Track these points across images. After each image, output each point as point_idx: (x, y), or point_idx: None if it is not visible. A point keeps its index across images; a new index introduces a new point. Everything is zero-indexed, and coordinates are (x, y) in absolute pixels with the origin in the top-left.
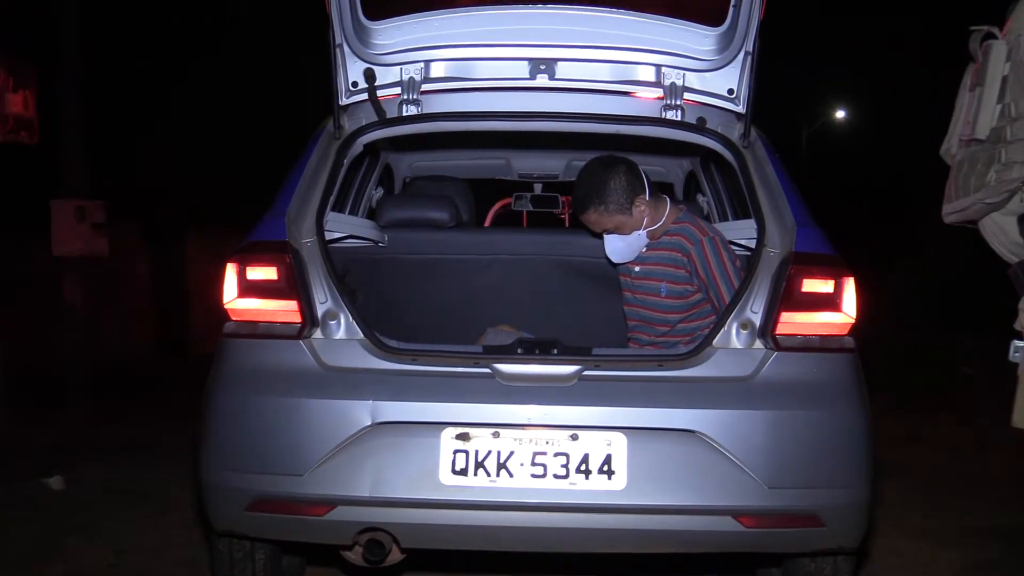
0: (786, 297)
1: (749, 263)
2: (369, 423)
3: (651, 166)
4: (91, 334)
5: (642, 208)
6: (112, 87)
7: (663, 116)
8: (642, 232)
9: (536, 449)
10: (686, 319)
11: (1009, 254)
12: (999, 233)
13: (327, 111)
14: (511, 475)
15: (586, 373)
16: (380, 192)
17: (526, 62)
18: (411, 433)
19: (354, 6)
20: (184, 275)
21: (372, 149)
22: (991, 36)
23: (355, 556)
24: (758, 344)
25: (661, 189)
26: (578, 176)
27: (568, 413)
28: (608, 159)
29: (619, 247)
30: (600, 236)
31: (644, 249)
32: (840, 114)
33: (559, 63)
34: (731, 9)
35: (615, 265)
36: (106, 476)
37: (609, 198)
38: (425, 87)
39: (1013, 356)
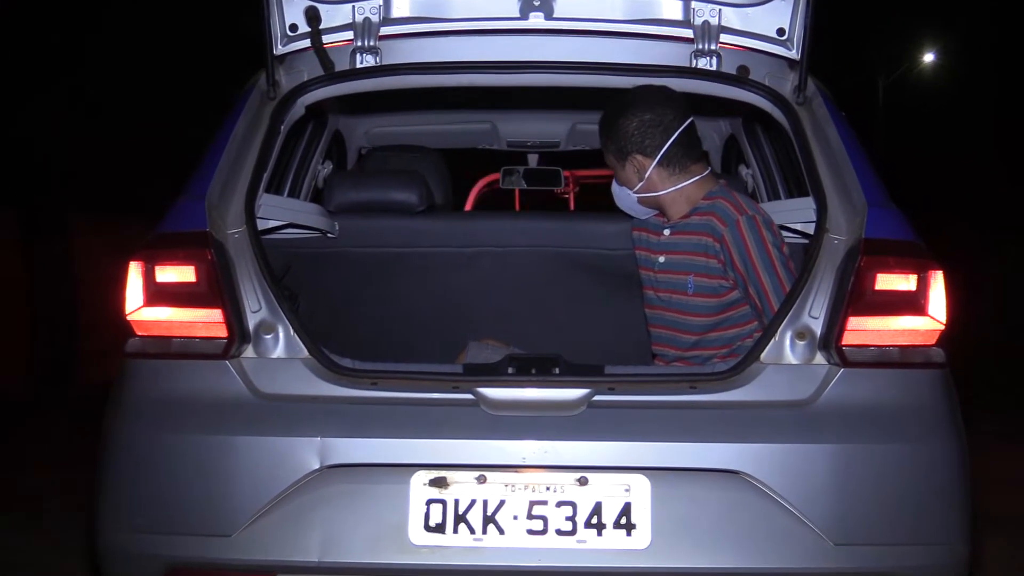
0: (855, 297)
1: (807, 253)
2: (317, 467)
3: None
4: None
5: (638, 171)
6: None
7: (693, 65)
8: (630, 193)
9: (534, 497)
10: (720, 324)
11: None
12: None
13: (259, 63)
14: (501, 531)
15: (597, 398)
16: (328, 167)
17: None
18: (372, 479)
19: None
20: (70, 277)
21: (317, 112)
22: None
23: None
24: (819, 358)
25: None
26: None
27: (575, 450)
28: (657, 95)
29: (617, 193)
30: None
31: (667, 233)
32: (928, 58)
33: None
34: None
35: (638, 264)
36: None
37: (610, 133)
38: (385, 30)
39: None
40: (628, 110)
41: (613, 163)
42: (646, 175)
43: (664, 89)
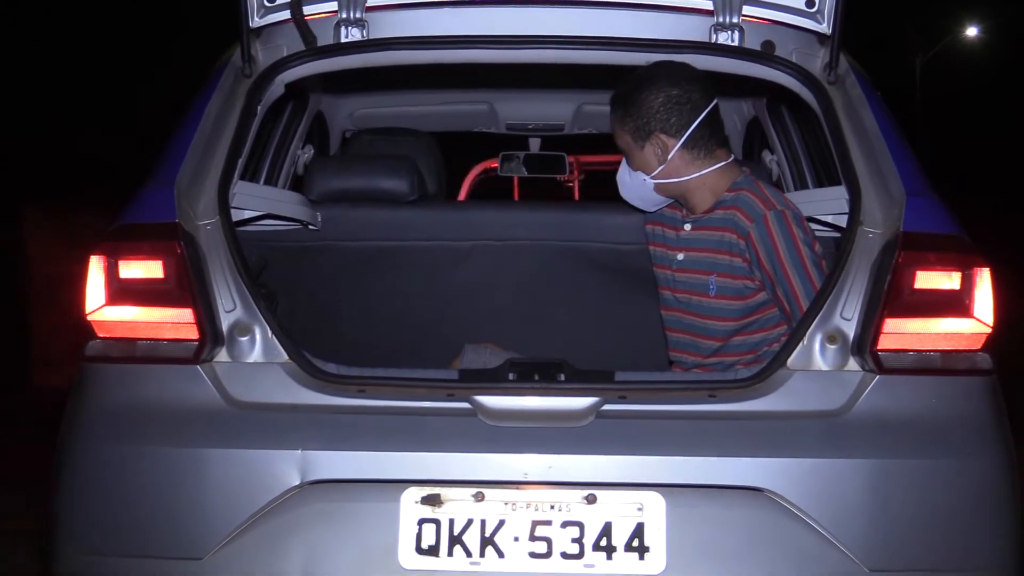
0: (892, 297)
1: (838, 248)
2: (298, 483)
3: None
4: None
5: (658, 153)
6: None
7: (713, 39)
8: (647, 178)
9: (537, 517)
10: (745, 328)
11: None
12: None
13: (232, 36)
14: (501, 554)
15: (606, 408)
16: (310, 152)
17: None
18: (358, 496)
19: None
20: (22, 272)
21: (298, 91)
22: None
23: None
24: (852, 364)
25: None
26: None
27: (582, 465)
28: (684, 71)
29: (625, 181)
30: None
31: (688, 228)
32: (971, 32)
33: None
34: None
35: (653, 262)
36: None
37: (630, 108)
38: (372, 1)
39: None
40: (653, 84)
41: (629, 144)
42: (669, 157)
43: (688, 66)
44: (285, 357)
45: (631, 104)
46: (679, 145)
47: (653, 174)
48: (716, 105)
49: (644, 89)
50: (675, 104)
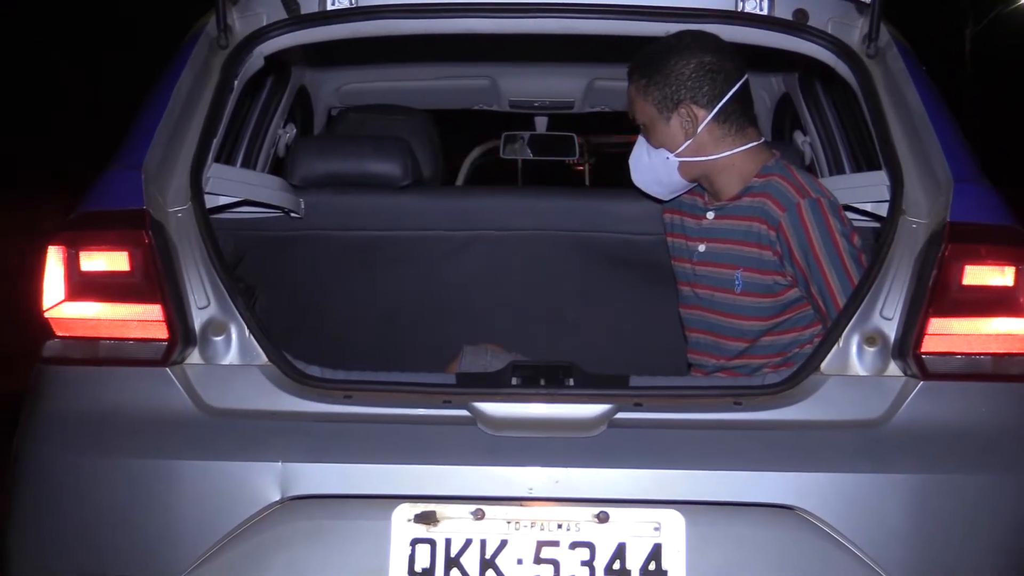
0: (938, 294)
1: (878, 240)
2: (278, 498)
3: None
4: None
5: (687, 126)
6: None
7: (739, 8)
8: (671, 156)
9: (542, 537)
10: (774, 329)
11: None
12: None
13: (207, 3)
14: None
15: (620, 416)
16: (292, 132)
17: None
18: (345, 513)
19: None
20: None
21: (279, 64)
22: None
23: None
24: (893, 368)
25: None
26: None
27: (593, 480)
28: (714, 39)
29: (641, 162)
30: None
31: (711, 216)
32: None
33: None
34: None
35: (671, 254)
36: None
37: (656, 75)
38: None
39: None
40: (684, 49)
41: (652, 116)
42: (698, 130)
43: (717, 36)
44: (264, 359)
45: (658, 71)
46: (710, 117)
47: (679, 150)
48: (747, 80)
49: (673, 55)
50: (708, 72)
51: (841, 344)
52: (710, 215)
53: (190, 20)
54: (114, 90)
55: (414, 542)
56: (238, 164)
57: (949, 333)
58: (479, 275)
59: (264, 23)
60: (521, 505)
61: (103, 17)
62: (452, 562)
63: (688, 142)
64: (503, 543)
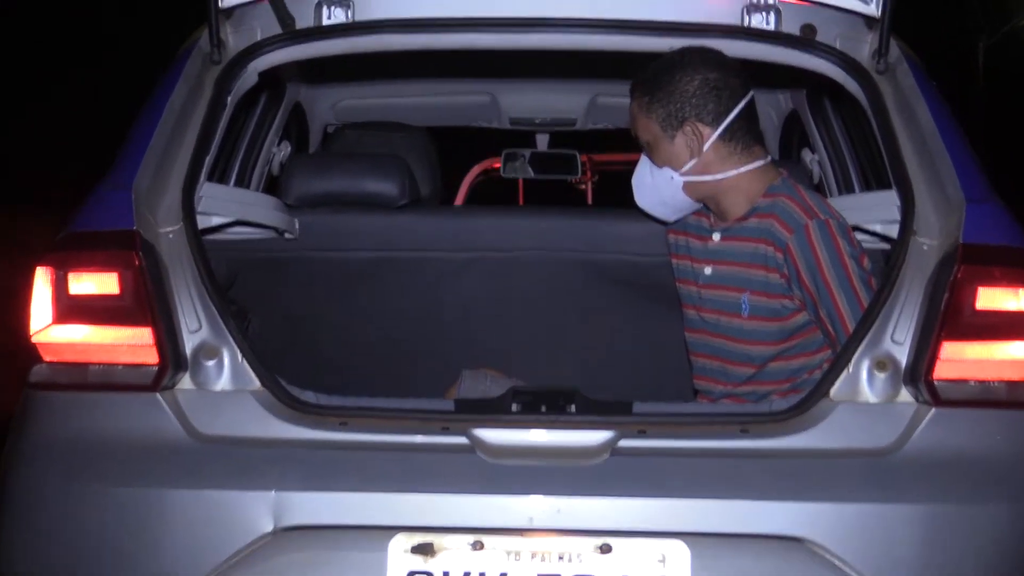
0: (950, 318)
1: (888, 262)
2: (271, 528)
3: None
4: None
5: (691, 144)
6: None
7: (745, 23)
8: (675, 175)
9: (543, 569)
10: (782, 354)
11: None
12: None
13: (199, 17)
14: None
15: (624, 444)
16: (287, 150)
17: None
18: (339, 544)
19: None
20: None
21: (273, 80)
22: None
23: None
24: (904, 395)
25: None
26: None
27: (595, 510)
28: (718, 56)
29: (645, 182)
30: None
31: (717, 237)
32: None
33: None
34: None
35: (676, 277)
36: None
37: (659, 92)
38: None
39: None
40: (688, 66)
41: (656, 134)
42: (703, 148)
43: (722, 52)
44: (257, 384)
45: (661, 88)
46: (716, 135)
47: (683, 169)
48: (753, 97)
49: (677, 71)
50: (713, 89)
51: (851, 370)
52: (716, 236)
53: (174, 37)
54: (88, 107)
55: (411, 574)
56: (231, 183)
57: (962, 359)
58: (479, 297)
59: (258, 38)
60: (521, 536)
61: (84, 33)
62: None
63: (693, 161)
64: None
